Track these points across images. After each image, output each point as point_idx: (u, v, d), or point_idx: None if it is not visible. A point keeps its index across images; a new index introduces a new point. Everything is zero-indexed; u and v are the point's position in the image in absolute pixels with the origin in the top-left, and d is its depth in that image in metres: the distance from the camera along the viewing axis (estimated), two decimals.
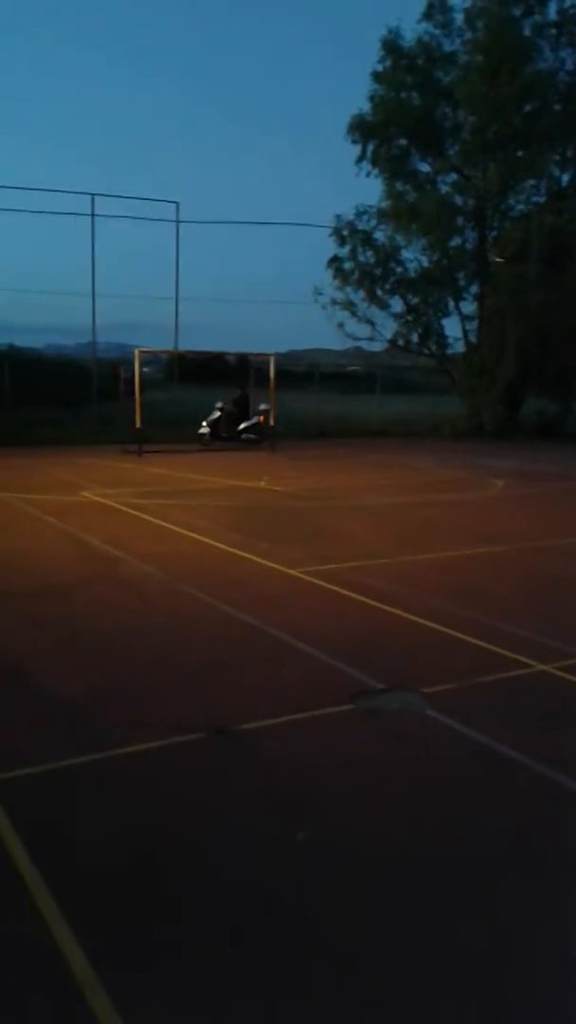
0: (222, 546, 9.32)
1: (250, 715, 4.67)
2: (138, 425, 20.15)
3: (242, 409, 22.81)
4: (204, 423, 22.18)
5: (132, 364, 21.33)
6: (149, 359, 28.76)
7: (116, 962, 2.71)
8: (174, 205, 28.39)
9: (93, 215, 26.90)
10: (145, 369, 22.62)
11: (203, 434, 21.94)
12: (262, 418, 22.44)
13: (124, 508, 11.93)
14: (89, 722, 4.60)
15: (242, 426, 22.48)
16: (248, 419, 22.58)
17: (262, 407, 22.56)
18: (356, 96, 34.67)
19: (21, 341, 38.50)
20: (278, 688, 5.13)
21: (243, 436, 22.33)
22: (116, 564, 8.39)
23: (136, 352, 21.45)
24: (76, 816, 3.66)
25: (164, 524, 10.64)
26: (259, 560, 8.62)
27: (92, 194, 26.92)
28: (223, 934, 2.88)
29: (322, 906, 3.03)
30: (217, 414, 22.37)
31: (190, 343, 32.58)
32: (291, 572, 8.12)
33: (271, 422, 22.17)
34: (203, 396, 29.62)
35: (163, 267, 37.43)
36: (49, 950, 2.75)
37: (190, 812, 3.69)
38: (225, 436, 22.13)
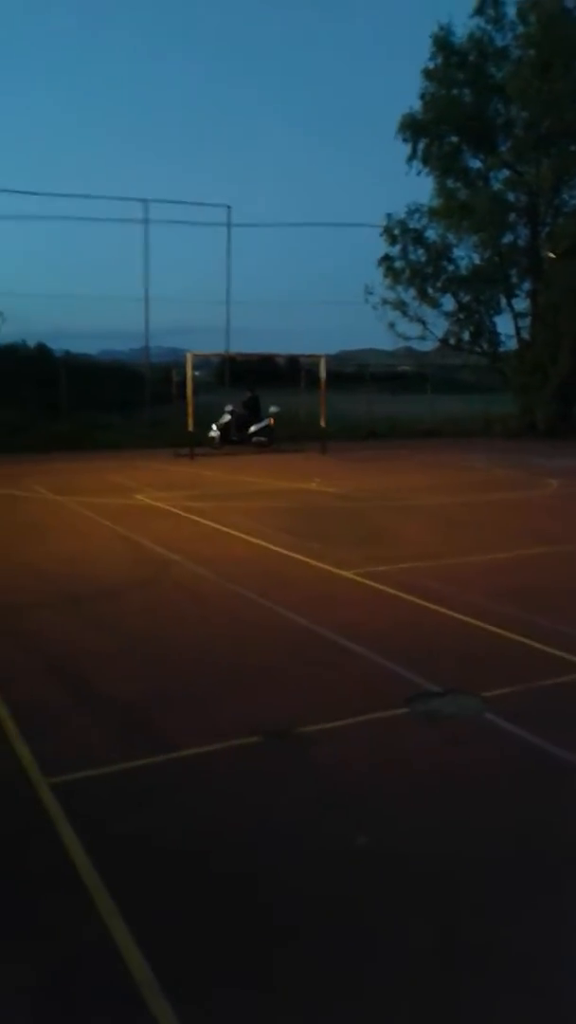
0: (274, 548, 9.33)
1: (306, 718, 4.66)
2: (190, 428, 20.31)
3: (252, 411, 22.51)
4: (214, 426, 21.85)
5: (184, 368, 21.53)
6: (201, 362, 28.95)
7: (173, 963, 2.73)
8: (226, 209, 28.57)
9: (147, 221, 27.27)
10: (196, 373, 22.75)
11: (213, 437, 21.57)
12: (272, 420, 22.23)
13: (177, 511, 12.03)
14: (147, 725, 4.64)
15: (252, 429, 22.16)
16: (258, 421, 22.32)
17: (272, 409, 22.36)
18: (407, 95, 34.44)
19: (76, 347, 39.12)
20: (333, 691, 5.11)
21: (253, 439, 22.04)
22: (170, 567, 8.46)
23: (188, 356, 21.63)
24: (134, 818, 3.69)
25: (216, 526, 10.70)
26: (311, 562, 8.61)
27: (145, 200, 27.31)
28: (277, 935, 2.88)
29: (382, 911, 3.01)
30: (227, 417, 22.03)
31: (241, 346, 32.74)
32: (344, 574, 8.09)
33: (272, 423, 22.16)
34: None
35: (215, 271, 37.69)
36: (110, 950, 2.78)
37: (248, 816, 3.70)
38: (235, 439, 21.78)
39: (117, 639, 6.18)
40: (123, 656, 5.80)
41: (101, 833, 3.51)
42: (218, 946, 2.84)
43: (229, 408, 22.25)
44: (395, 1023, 2.51)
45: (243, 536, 10.05)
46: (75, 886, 3.13)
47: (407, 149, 27.27)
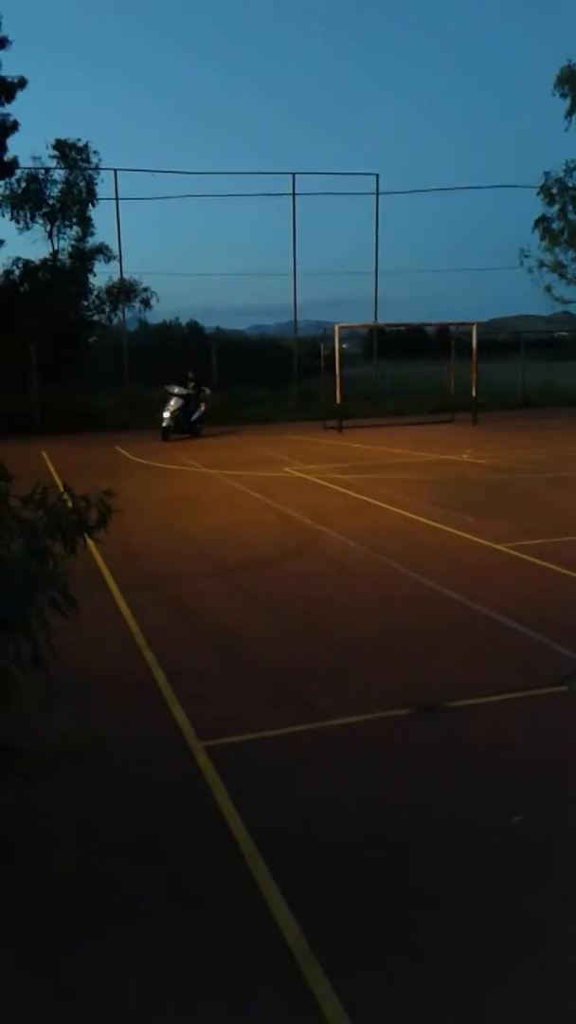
0: (424, 520, 9.17)
1: (458, 693, 4.55)
2: (338, 401, 20.28)
3: (195, 397, 19.59)
4: (166, 414, 18.95)
5: (331, 341, 21.48)
6: (348, 334, 28.80)
7: (327, 934, 2.73)
8: (374, 177, 28.11)
9: (294, 194, 27.27)
10: (344, 345, 22.65)
11: (167, 428, 18.83)
12: (204, 406, 19.71)
13: (325, 483, 12.05)
14: (297, 694, 4.67)
15: (194, 416, 19.49)
16: (198, 407, 19.55)
17: (207, 392, 19.89)
18: (564, 48, 32.57)
19: (226, 324, 39.93)
20: (487, 666, 4.96)
21: (198, 426, 19.60)
22: (319, 538, 8.49)
23: (335, 328, 21.56)
24: (285, 784, 3.72)
25: (365, 498, 10.64)
26: (463, 534, 8.40)
27: (293, 173, 27.27)
28: (427, 909, 2.82)
29: (534, 892, 2.90)
30: (177, 402, 19.04)
31: (389, 316, 32.34)
32: (497, 547, 7.84)
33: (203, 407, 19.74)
34: (401, 369, 29.40)
35: (363, 241, 37.32)
36: (264, 920, 2.81)
37: (398, 787, 3.65)
38: (185, 429, 19.20)
39: (268, 609, 6.25)
40: (273, 626, 5.87)
41: (253, 797, 3.56)
42: (368, 915, 2.81)
43: (177, 391, 19.08)
44: (537, 1005, 2.41)
45: (392, 508, 9.94)
46: (229, 848, 3.20)
47: (566, 104, 25.85)
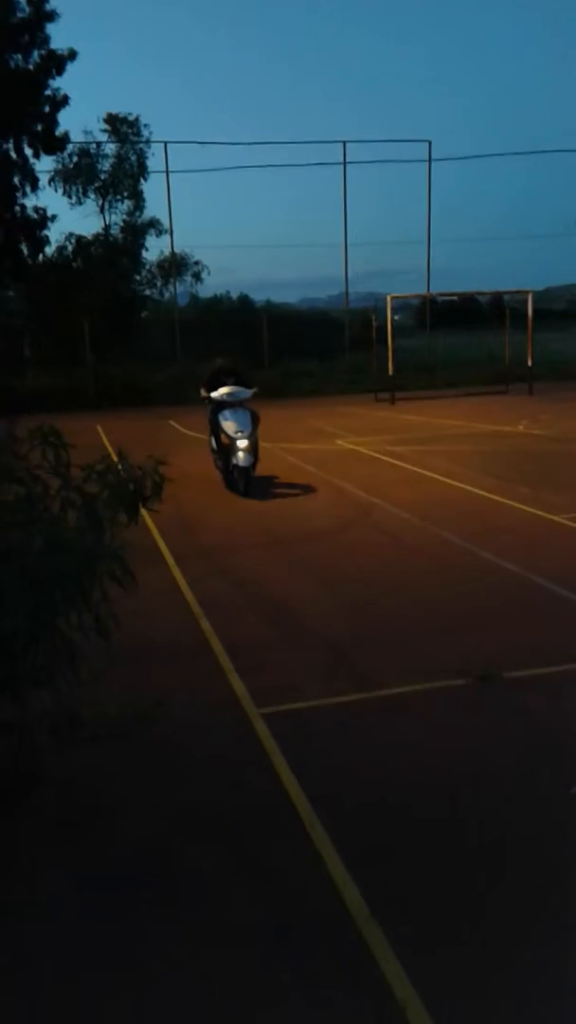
0: (479, 492, 9.08)
1: (516, 663, 4.53)
2: (390, 372, 20.10)
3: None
4: (238, 454, 9.60)
5: (383, 312, 21.26)
6: (400, 305, 28.47)
7: (384, 895, 2.76)
8: (426, 144, 27.59)
9: (345, 163, 26.93)
10: (396, 316, 22.39)
11: (241, 469, 9.80)
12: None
13: (378, 455, 11.98)
14: (352, 663, 4.69)
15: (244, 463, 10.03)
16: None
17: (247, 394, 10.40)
18: None
19: (277, 297, 39.74)
20: (544, 637, 4.92)
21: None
22: (372, 510, 8.47)
23: (388, 299, 21.32)
24: (341, 751, 3.75)
25: (418, 470, 10.56)
26: (519, 506, 8.30)
27: (344, 141, 26.92)
28: (486, 875, 2.83)
29: None
30: (241, 424, 9.69)
31: (442, 286, 31.81)
32: (554, 518, 7.73)
33: None
34: (454, 340, 28.97)
35: (414, 210, 36.69)
36: (324, 880, 2.86)
37: (454, 756, 3.65)
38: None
39: (322, 580, 6.27)
40: (327, 596, 5.89)
41: (310, 763, 3.61)
42: (427, 881, 2.84)
43: (227, 395, 9.97)
44: None
45: (446, 480, 9.85)
46: (286, 812, 3.25)
47: None
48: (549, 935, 2.57)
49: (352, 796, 3.38)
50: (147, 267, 29.07)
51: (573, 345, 26.17)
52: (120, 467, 3.45)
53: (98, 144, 27.77)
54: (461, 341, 29.22)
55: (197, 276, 30.08)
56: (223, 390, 9.89)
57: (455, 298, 34.93)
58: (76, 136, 26.75)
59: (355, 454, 12.32)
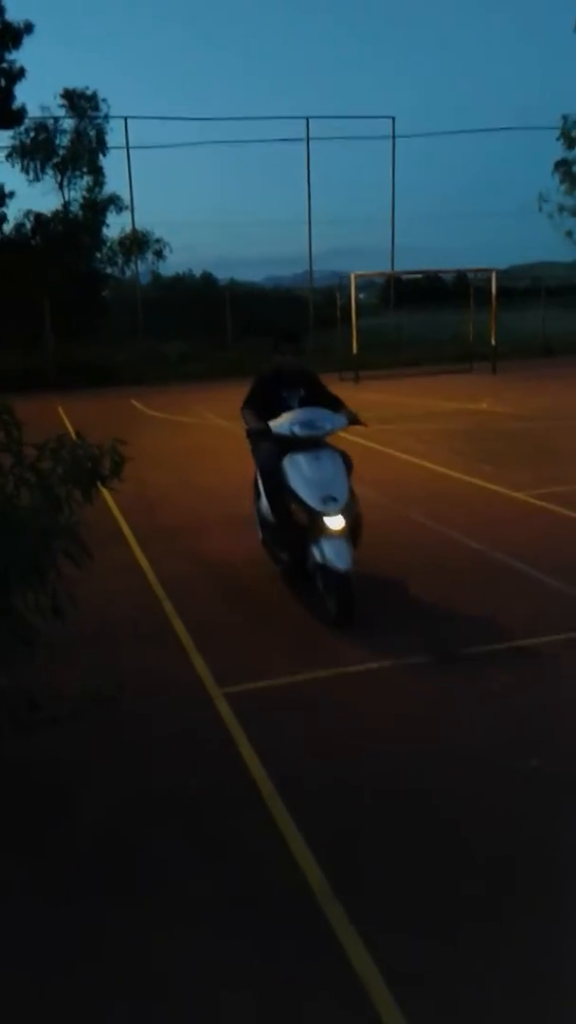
0: (444, 470, 9.09)
1: (476, 640, 4.54)
2: (355, 351, 20.04)
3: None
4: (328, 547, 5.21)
5: (347, 290, 21.17)
6: (365, 283, 28.38)
7: (344, 873, 2.75)
8: (390, 120, 27.41)
9: (308, 139, 26.68)
10: (361, 295, 22.31)
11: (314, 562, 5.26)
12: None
13: (343, 433, 11.91)
14: (317, 642, 4.67)
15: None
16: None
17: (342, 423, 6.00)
18: None
19: (241, 275, 39.40)
20: (505, 613, 4.93)
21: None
22: None
23: (352, 276, 21.22)
24: (304, 730, 3.73)
25: (384, 449, 10.54)
26: (484, 484, 8.32)
27: (307, 117, 26.66)
28: (449, 848, 2.83)
29: (548, 828, 2.90)
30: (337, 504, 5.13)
31: (407, 265, 31.68)
32: (517, 495, 7.77)
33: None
34: (419, 319, 28.95)
35: (379, 188, 36.50)
36: (286, 861, 2.84)
37: (417, 732, 3.65)
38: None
39: None
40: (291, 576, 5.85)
41: (273, 742, 3.58)
42: (390, 858, 2.83)
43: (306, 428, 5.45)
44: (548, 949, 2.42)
45: (411, 458, 9.85)
46: (249, 792, 3.22)
47: None
48: (513, 911, 2.57)
49: (315, 775, 3.36)
50: (108, 245, 28.62)
51: (536, 324, 26.27)
52: (77, 444, 3.36)
53: (56, 119, 27.21)
54: (426, 319, 29.23)
55: (159, 254, 29.71)
56: (287, 419, 5.30)
57: (420, 276, 34.95)
58: (33, 112, 26.17)
59: None
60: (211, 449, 11.46)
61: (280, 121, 34.71)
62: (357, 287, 21.25)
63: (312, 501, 4.89)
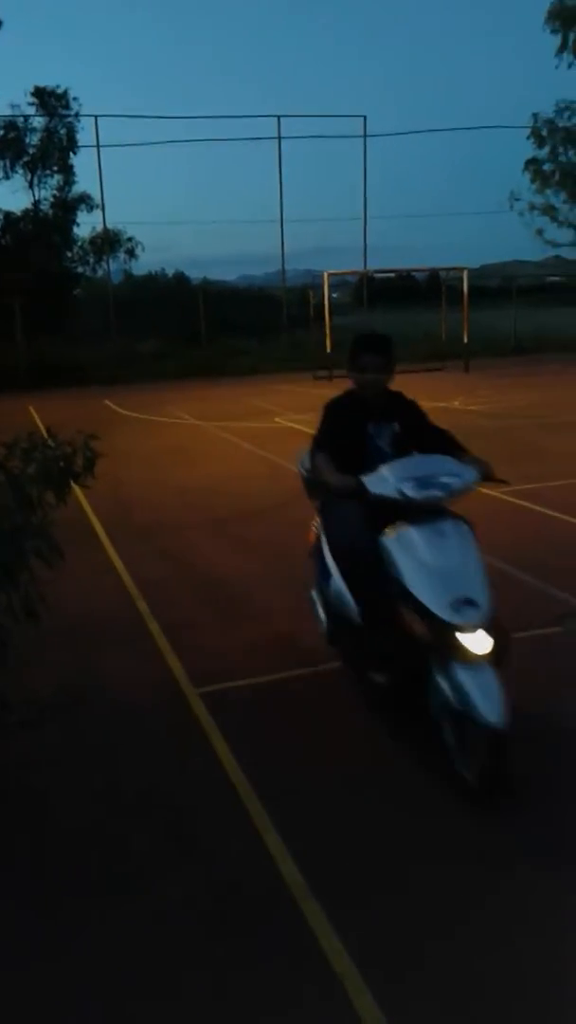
0: None
1: None
2: (328, 350, 20.07)
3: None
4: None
5: (321, 289, 21.19)
6: (338, 282, 28.43)
7: (318, 863, 2.74)
8: (361, 119, 27.47)
9: (279, 137, 26.67)
10: (334, 294, 22.34)
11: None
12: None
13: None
14: (291, 641, 4.66)
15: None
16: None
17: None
18: None
19: (214, 274, 39.31)
20: None
21: None
22: None
23: (324, 275, 21.25)
24: (280, 728, 3.72)
25: None
26: None
27: (278, 115, 26.64)
28: (418, 845, 2.84)
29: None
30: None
31: (379, 264, 31.83)
32: (492, 492, 7.80)
33: None
34: (392, 317, 29.06)
35: (351, 187, 36.59)
36: (261, 854, 2.83)
37: (388, 728, 3.66)
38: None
39: (260, 559, 6.22)
40: (266, 574, 5.84)
41: (249, 741, 3.57)
42: (365, 856, 2.83)
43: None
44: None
45: None
46: (226, 792, 3.20)
47: (556, 40, 25.22)
48: (490, 904, 2.58)
49: (290, 774, 3.35)
50: (79, 244, 28.47)
51: (508, 322, 26.47)
52: (49, 443, 3.33)
53: (26, 118, 27.00)
54: (399, 318, 29.34)
55: (131, 253, 29.58)
56: (390, 472, 3.56)
57: (392, 275, 35.09)
58: (3, 109, 26.02)
59: (294, 432, 12.26)
60: (184, 448, 11.42)
61: (253, 120, 34.61)
62: (330, 286, 21.28)
63: (438, 607, 3.10)
